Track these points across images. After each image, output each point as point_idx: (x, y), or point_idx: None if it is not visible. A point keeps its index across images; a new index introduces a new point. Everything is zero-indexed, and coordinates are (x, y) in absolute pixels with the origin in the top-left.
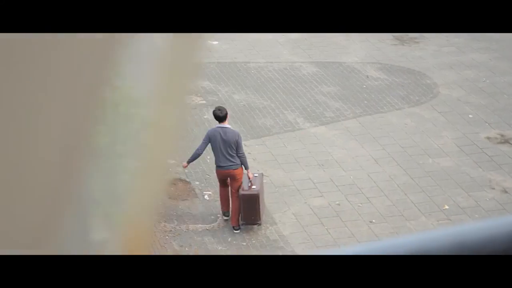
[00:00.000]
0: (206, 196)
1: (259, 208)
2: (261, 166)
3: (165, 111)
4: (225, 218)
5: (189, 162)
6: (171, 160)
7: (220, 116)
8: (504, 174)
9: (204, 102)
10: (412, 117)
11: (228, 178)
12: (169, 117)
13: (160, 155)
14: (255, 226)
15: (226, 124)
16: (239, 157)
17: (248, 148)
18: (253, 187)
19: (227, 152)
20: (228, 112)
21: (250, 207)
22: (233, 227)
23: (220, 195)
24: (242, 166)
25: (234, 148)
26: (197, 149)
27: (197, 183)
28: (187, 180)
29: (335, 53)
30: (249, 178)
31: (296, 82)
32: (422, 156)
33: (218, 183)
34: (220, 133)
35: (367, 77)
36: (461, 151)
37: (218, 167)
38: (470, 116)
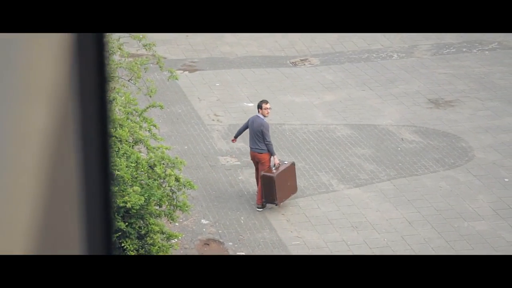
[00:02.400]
0: None
1: (275, 190)
2: (295, 227)
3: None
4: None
5: (235, 137)
6: (204, 220)
7: (258, 105)
8: None
9: (238, 163)
10: (447, 180)
11: (258, 161)
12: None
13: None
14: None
15: (259, 114)
16: (265, 144)
17: (282, 209)
18: (274, 170)
19: (255, 137)
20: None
21: (268, 187)
22: (257, 205)
23: (256, 179)
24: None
25: (260, 136)
26: (240, 127)
27: (230, 243)
28: (221, 240)
29: (369, 115)
30: (275, 164)
31: (330, 144)
32: (457, 220)
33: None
34: (252, 120)
35: (402, 139)
36: (497, 215)
37: (250, 147)
38: (506, 180)
